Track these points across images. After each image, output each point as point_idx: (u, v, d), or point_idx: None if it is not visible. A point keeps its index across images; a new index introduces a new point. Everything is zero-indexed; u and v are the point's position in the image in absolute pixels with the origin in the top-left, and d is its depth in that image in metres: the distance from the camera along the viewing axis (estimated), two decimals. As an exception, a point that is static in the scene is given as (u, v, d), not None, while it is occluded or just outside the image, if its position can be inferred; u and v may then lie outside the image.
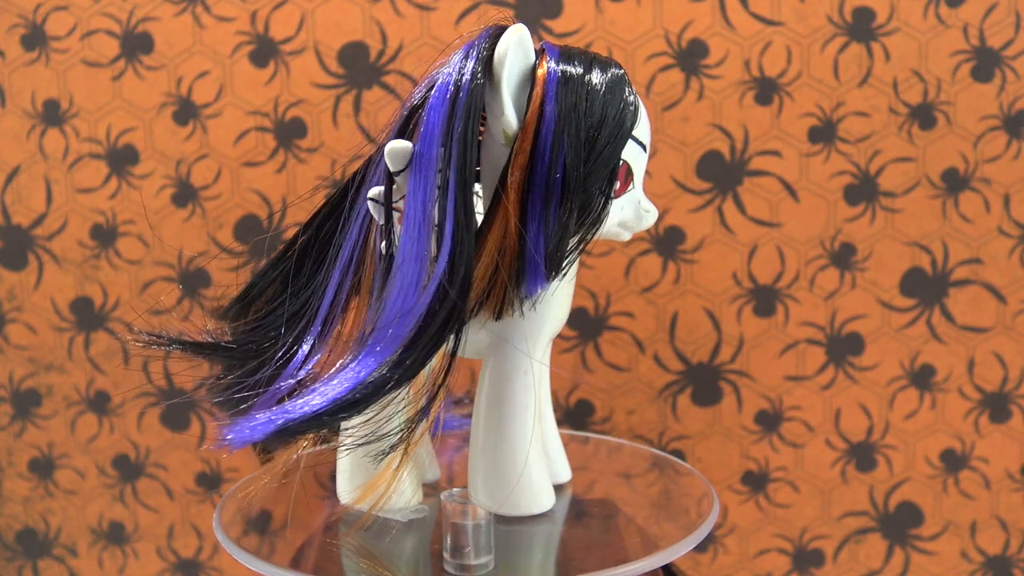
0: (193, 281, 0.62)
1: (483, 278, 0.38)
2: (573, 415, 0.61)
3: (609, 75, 0.39)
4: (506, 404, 0.42)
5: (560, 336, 0.60)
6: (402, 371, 0.36)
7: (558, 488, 0.46)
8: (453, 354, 0.38)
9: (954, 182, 0.59)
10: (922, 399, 0.61)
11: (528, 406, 0.42)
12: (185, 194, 0.61)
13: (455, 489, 0.43)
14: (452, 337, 0.37)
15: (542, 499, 0.42)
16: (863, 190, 0.59)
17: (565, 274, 0.40)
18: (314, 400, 0.37)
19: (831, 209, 0.60)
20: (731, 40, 0.58)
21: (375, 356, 0.37)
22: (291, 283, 0.42)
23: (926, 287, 0.60)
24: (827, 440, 0.62)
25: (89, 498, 0.64)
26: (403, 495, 0.44)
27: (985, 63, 0.58)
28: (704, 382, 0.61)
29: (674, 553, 0.40)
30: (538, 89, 0.38)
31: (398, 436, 0.39)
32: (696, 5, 0.58)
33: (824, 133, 0.59)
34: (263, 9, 0.59)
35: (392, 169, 0.38)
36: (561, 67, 0.38)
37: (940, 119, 0.58)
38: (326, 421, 0.36)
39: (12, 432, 0.64)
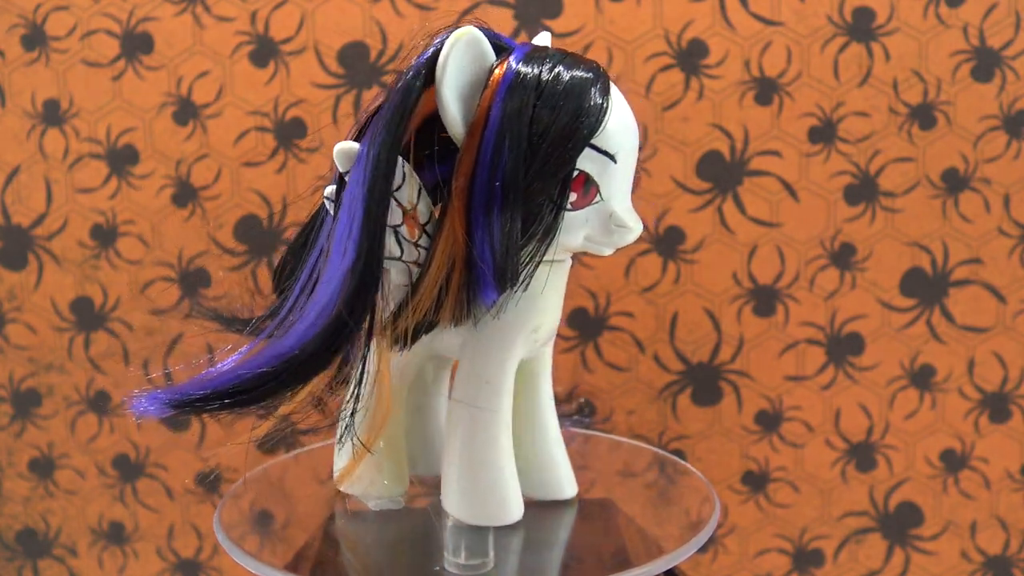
0: (193, 280, 0.62)
1: (434, 284, 0.38)
2: (573, 415, 0.61)
3: (569, 78, 0.37)
4: (469, 410, 0.41)
5: (560, 336, 0.60)
6: (273, 385, 0.37)
7: (563, 503, 0.45)
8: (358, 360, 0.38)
9: (954, 182, 0.59)
10: (922, 399, 0.61)
11: (494, 412, 0.40)
12: (185, 194, 0.61)
13: None
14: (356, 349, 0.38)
15: (509, 509, 0.41)
16: (863, 190, 0.59)
17: (525, 285, 0.38)
18: (203, 384, 0.38)
19: (831, 209, 0.60)
20: (731, 40, 0.58)
21: (261, 358, 0.38)
22: (280, 281, 0.43)
23: (926, 287, 0.60)
24: (827, 440, 0.62)
25: (89, 498, 0.64)
26: (381, 484, 0.44)
27: (985, 63, 0.58)
28: (704, 382, 0.61)
29: (677, 558, 0.40)
30: (488, 92, 0.36)
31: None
32: (696, 5, 0.58)
33: (824, 133, 0.59)
34: (263, 9, 0.59)
35: (341, 170, 0.38)
36: (517, 68, 0.37)
37: (940, 119, 0.58)
38: (199, 407, 0.38)
39: (12, 432, 0.64)
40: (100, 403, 0.63)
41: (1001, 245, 0.59)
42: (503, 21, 0.58)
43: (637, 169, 0.59)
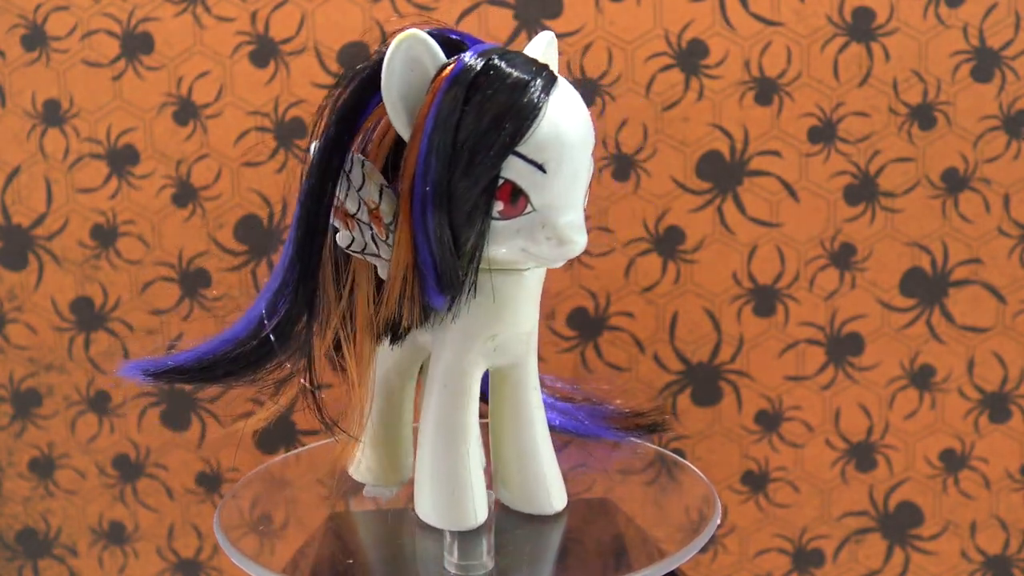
0: (193, 280, 0.62)
1: (395, 284, 0.38)
2: (573, 415, 0.61)
3: (501, 83, 0.36)
4: (430, 413, 0.41)
5: (560, 336, 0.61)
6: (222, 367, 0.40)
7: (551, 518, 0.44)
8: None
9: (954, 182, 0.59)
10: (922, 399, 0.61)
11: (452, 417, 0.40)
12: (185, 194, 0.61)
13: None
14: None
15: (466, 515, 0.40)
16: (863, 190, 0.59)
17: (472, 292, 0.38)
18: (175, 358, 0.41)
19: (831, 209, 0.60)
20: (731, 40, 0.58)
21: (216, 341, 0.41)
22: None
23: (926, 287, 0.60)
24: (827, 440, 0.62)
25: (89, 498, 0.64)
26: (379, 472, 0.45)
27: (985, 63, 0.58)
28: (704, 382, 0.61)
29: (679, 559, 0.40)
30: (429, 96, 0.36)
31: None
32: (696, 5, 0.58)
33: (824, 133, 0.59)
34: (263, 9, 0.59)
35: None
36: (457, 71, 0.36)
37: (940, 119, 0.58)
38: (168, 378, 0.41)
39: (12, 432, 0.64)
40: (100, 403, 0.63)
41: (1001, 245, 0.59)
42: (503, 21, 0.58)
43: (636, 169, 0.59)
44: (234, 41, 0.60)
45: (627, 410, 0.48)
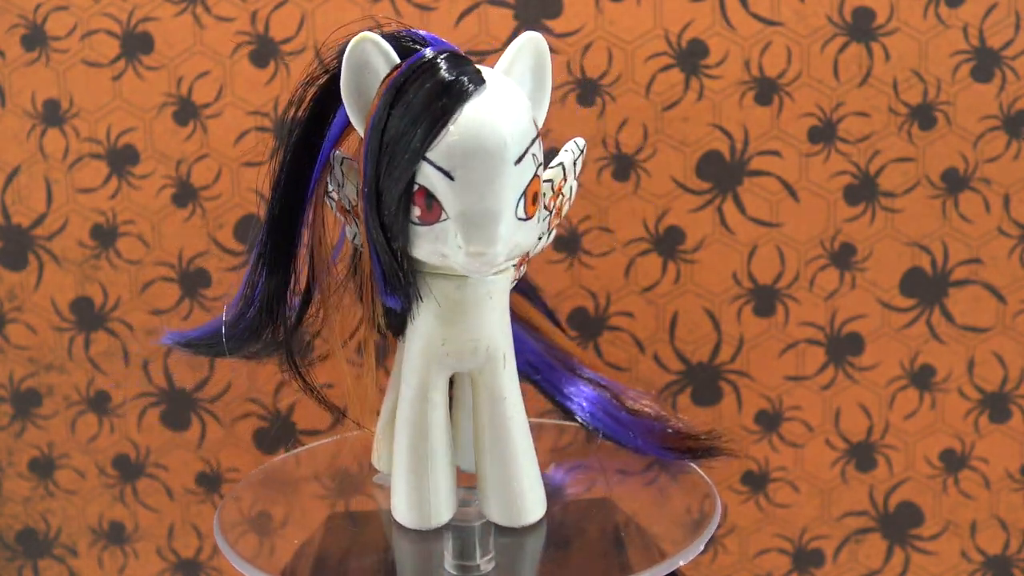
0: (193, 280, 0.62)
1: (364, 283, 0.39)
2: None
3: (422, 86, 0.36)
4: (398, 412, 0.41)
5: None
6: (228, 342, 0.42)
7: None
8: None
9: (954, 182, 0.59)
10: (922, 399, 0.61)
11: (408, 419, 0.41)
12: (185, 194, 0.61)
13: (458, 488, 0.43)
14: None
15: (424, 516, 0.41)
16: (863, 190, 0.59)
17: (415, 295, 0.39)
18: (197, 329, 0.44)
19: (831, 209, 0.60)
20: (731, 40, 0.58)
21: (220, 319, 0.43)
22: None
23: (926, 287, 0.60)
24: (827, 440, 0.62)
25: (89, 498, 0.64)
26: (388, 461, 0.45)
27: (985, 63, 0.58)
28: (704, 382, 0.61)
29: (678, 560, 0.40)
30: (376, 97, 0.37)
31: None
32: (696, 5, 0.58)
33: (824, 133, 0.59)
34: (263, 9, 0.59)
35: None
36: (394, 75, 0.36)
37: (940, 119, 0.58)
38: (189, 347, 0.44)
39: (12, 432, 0.64)
40: (100, 403, 0.63)
41: (1001, 245, 0.59)
42: (503, 21, 0.58)
43: (636, 169, 0.59)
44: (234, 41, 0.60)
45: (684, 431, 0.47)
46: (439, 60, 0.36)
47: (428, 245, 0.37)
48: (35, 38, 0.60)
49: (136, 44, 0.60)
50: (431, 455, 0.41)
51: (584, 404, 0.47)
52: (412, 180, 0.36)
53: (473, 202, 0.36)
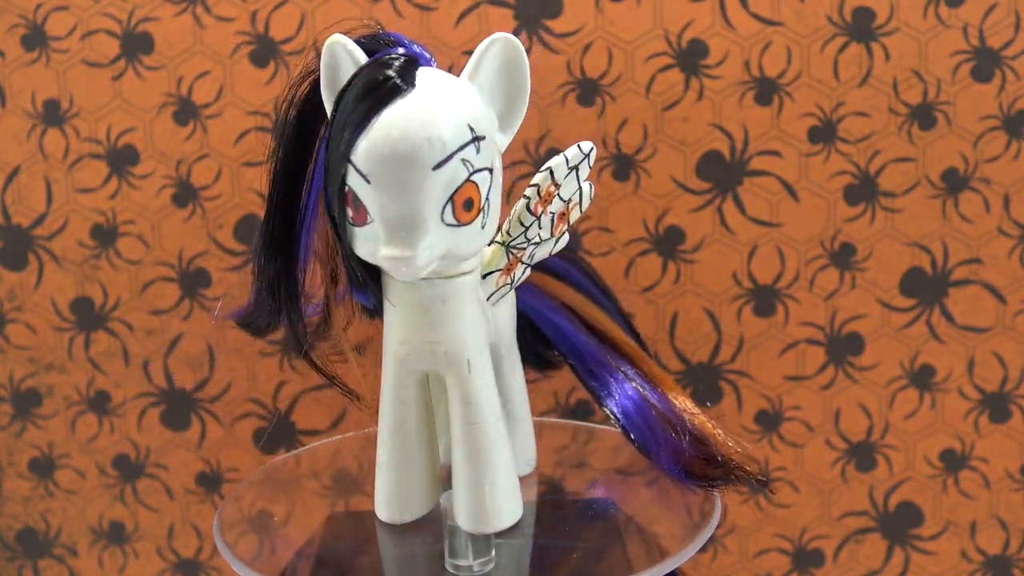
0: (193, 280, 0.62)
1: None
2: (573, 415, 0.61)
3: (352, 91, 0.36)
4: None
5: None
6: (255, 316, 0.43)
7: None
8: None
9: (954, 182, 0.59)
10: (922, 399, 0.61)
11: (383, 412, 0.42)
12: (185, 194, 0.61)
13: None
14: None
15: (391, 511, 0.43)
16: (863, 190, 0.59)
17: (373, 295, 0.40)
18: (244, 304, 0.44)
19: (831, 209, 0.60)
20: (731, 40, 0.58)
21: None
22: None
23: (926, 287, 0.60)
24: (827, 440, 0.62)
25: (89, 498, 0.64)
26: None
27: (985, 63, 0.58)
28: (704, 382, 0.61)
29: (679, 559, 0.40)
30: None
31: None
32: (696, 5, 0.58)
33: (824, 133, 0.59)
34: (263, 9, 0.59)
35: None
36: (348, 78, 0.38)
37: (940, 119, 0.58)
38: (241, 325, 0.44)
39: (12, 432, 0.64)
40: (100, 403, 0.63)
41: (1001, 245, 0.59)
42: (503, 21, 0.58)
43: (636, 169, 0.59)
44: (234, 41, 0.60)
45: (712, 457, 0.44)
46: (375, 63, 0.37)
47: (364, 246, 0.37)
48: (35, 38, 0.60)
49: (136, 44, 0.60)
50: (407, 451, 0.42)
51: (621, 400, 0.46)
52: (343, 182, 0.37)
53: (388, 206, 0.36)
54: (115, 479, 0.64)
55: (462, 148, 0.36)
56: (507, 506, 0.41)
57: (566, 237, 0.43)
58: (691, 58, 0.58)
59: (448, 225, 0.36)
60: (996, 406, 0.61)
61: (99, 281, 0.62)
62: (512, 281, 0.42)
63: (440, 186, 0.36)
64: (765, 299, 0.60)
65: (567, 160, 0.40)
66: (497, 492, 0.41)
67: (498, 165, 0.38)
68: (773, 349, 0.61)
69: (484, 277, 0.41)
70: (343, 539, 0.45)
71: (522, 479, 0.43)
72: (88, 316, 0.62)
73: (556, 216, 0.42)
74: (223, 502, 0.46)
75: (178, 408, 0.63)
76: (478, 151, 0.36)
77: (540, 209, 0.41)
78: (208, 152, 0.60)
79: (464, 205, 0.36)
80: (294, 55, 0.59)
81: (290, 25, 0.59)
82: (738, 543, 0.63)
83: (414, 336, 0.40)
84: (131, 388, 0.63)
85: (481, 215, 0.37)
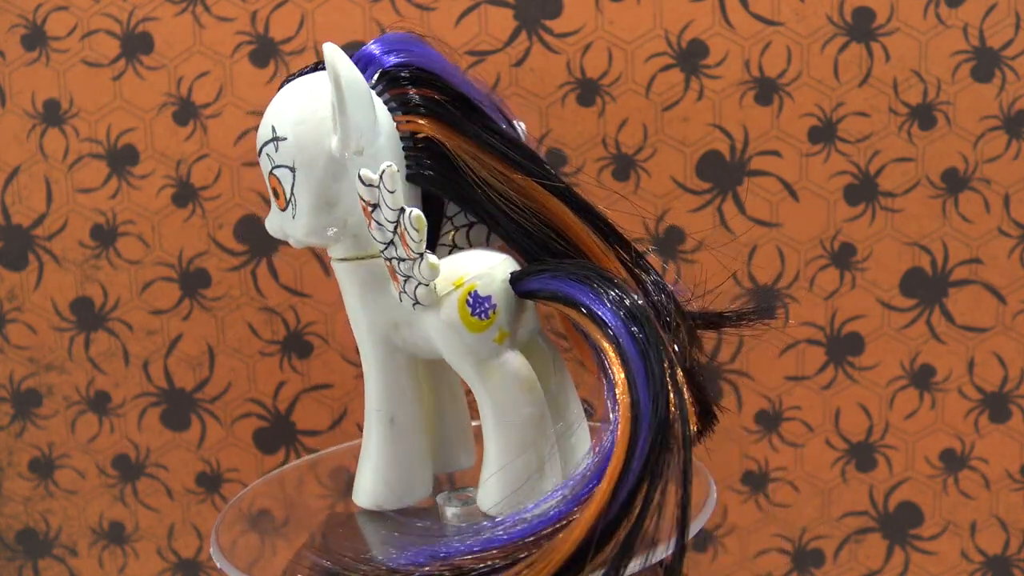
0: (193, 280, 0.62)
1: None
2: (573, 415, 0.61)
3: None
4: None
5: (561, 336, 0.60)
6: None
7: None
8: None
9: (954, 182, 0.59)
10: (922, 399, 0.61)
11: (368, 401, 0.44)
12: (185, 194, 0.61)
13: (454, 491, 0.43)
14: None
15: (375, 496, 0.44)
16: (863, 190, 0.59)
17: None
18: None
19: (831, 209, 0.60)
20: (731, 40, 0.58)
21: None
22: None
23: (926, 287, 0.60)
24: (827, 440, 0.62)
25: (89, 498, 0.64)
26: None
27: (985, 63, 0.58)
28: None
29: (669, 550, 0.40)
30: None
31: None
32: (696, 5, 0.58)
33: (824, 133, 0.59)
34: (263, 9, 0.59)
35: None
36: None
37: (940, 119, 0.58)
38: None
39: (12, 432, 0.64)
40: (100, 403, 0.63)
41: (1001, 245, 0.59)
42: (503, 21, 0.58)
43: (636, 169, 0.59)
44: (234, 41, 0.60)
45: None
46: (321, 64, 0.41)
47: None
48: (35, 38, 0.60)
49: (136, 44, 0.60)
50: (374, 435, 0.44)
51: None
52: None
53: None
54: (115, 479, 0.64)
55: (265, 144, 0.41)
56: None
57: (432, 265, 0.39)
58: (691, 58, 0.58)
59: (278, 208, 0.42)
60: (996, 406, 0.61)
61: (99, 281, 0.62)
62: (409, 292, 0.40)
63: (264, 173, 0.42)
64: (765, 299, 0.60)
65: (367, 178, 0.38)
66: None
67: (314, 164, 0.40)
68: (773, 349, 0.61)
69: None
70: (343, 539, 0.45)
71: None
72: (88, 316, 0.62)
73: (399, 236, 0.39)
74: (224, 508, 0.46)
75: (178, 408, 0.63)
76: (276, 149, 0.40)
77: (369, 220, 0.39)
78: (208, 152, 0.60)
79: (272, 193, 0.42)
80: (294, 55, 0.59)
81: (290, 25, 0.59)
82: (738, 543, 0.63)
83: (361, 315, 0.44)
84: (131, 388, 0.63)
85: (290, 206, 0.41)
